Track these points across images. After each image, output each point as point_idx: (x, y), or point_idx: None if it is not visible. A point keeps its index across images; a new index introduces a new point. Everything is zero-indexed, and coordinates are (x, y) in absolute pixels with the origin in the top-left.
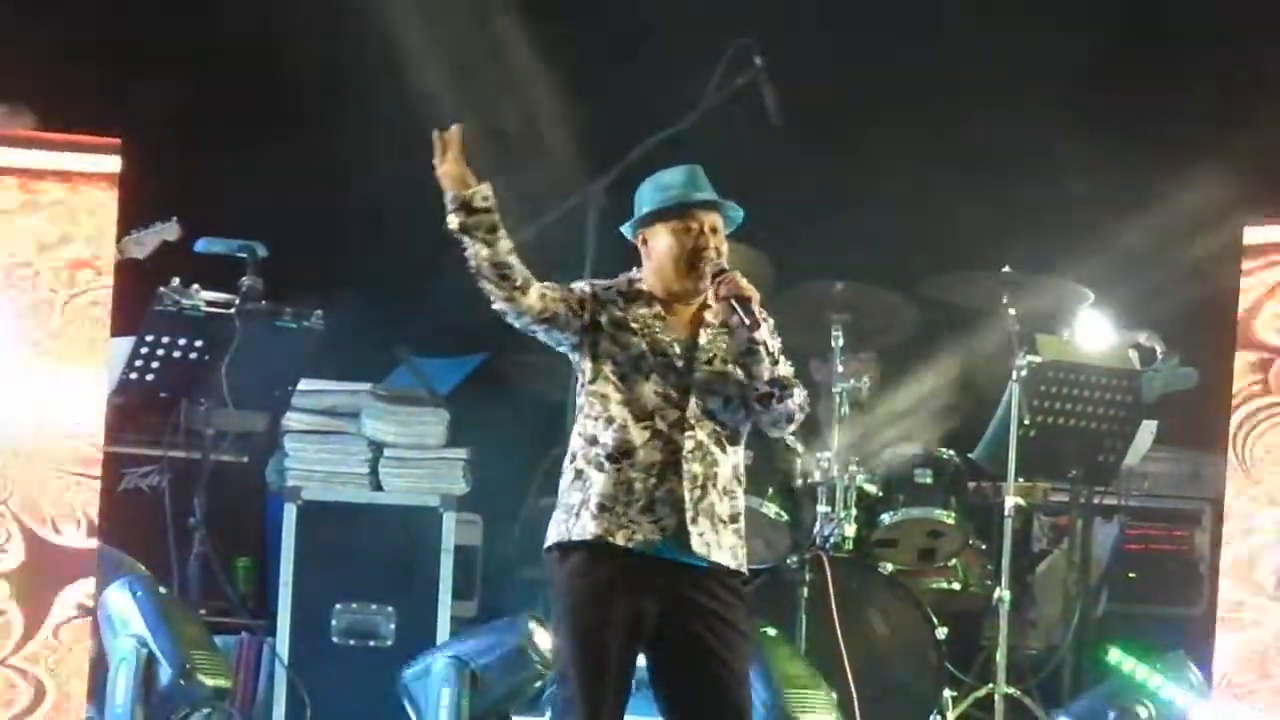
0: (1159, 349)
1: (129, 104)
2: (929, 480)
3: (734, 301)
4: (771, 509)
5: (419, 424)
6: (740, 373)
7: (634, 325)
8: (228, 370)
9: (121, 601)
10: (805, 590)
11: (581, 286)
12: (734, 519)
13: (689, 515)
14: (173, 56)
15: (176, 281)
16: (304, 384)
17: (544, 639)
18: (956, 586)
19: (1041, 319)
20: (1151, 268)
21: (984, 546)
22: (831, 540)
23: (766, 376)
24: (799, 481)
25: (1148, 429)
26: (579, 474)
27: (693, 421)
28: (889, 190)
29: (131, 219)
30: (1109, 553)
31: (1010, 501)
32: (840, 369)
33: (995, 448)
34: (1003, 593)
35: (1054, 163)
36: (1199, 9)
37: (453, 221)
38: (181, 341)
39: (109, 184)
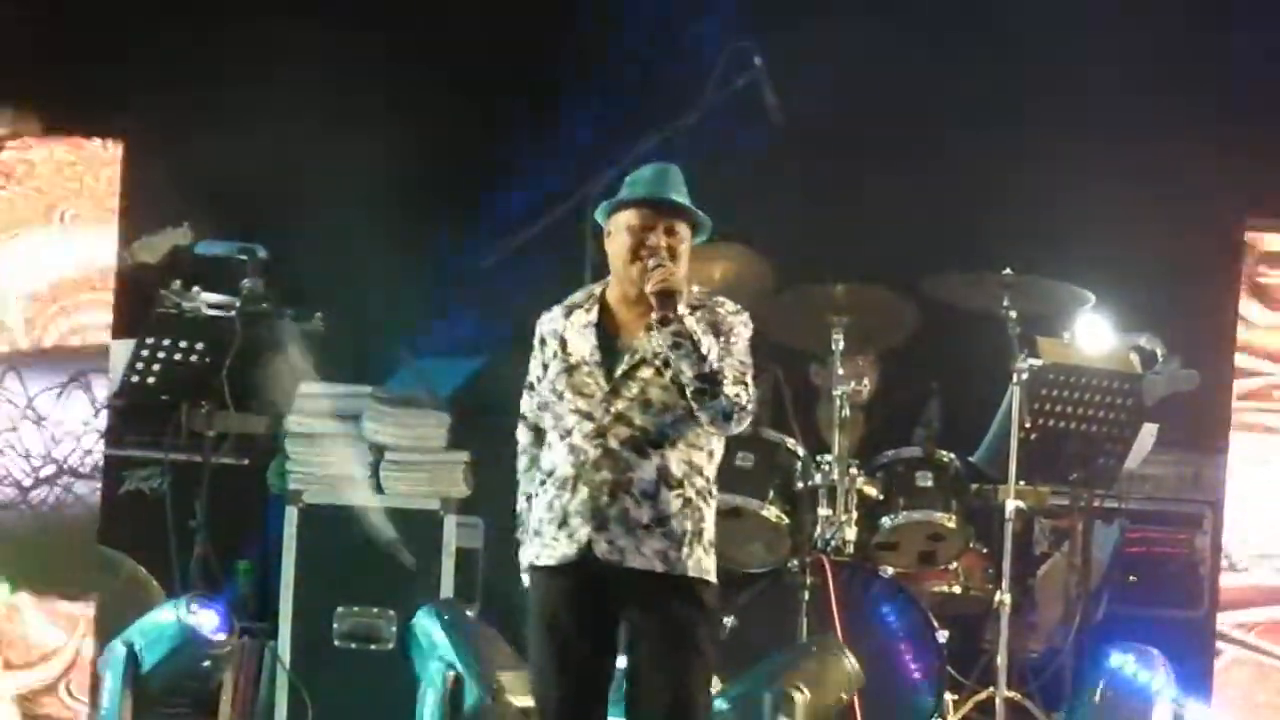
0: (1160, 352)
1: (129, 105)
2: (930, 483)
3: (655, 296)
4: (772, 512)
5: (420, 427)
6: (666, 374)
7: (562, 340)
8: (228, 373)
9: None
10: (806, 593)
11: (534, 370)
12: (660, 522)
13: (593, 524)
14: (173, 57)
15: (178, 284)
16: (304, 386)
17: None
18: (957, 589)
19: (1042, 322)
20: (1152, 270)
21: (985, 550)
22: (832, 543)
23: (692, 373)
24: (800, 485)
25: (1149, 432)
26: (529, 500)
27: (606, 429)
28: (889, 192)
29: (134, 221)
30: (1110, 556)
31: (1011, 504)
32: (840, 371)
33: (996, 451)
34: (1003, 596)
35: (1054, 164)
36: (1198, 8)
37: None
38: (182, 344)
39: (110, 185)
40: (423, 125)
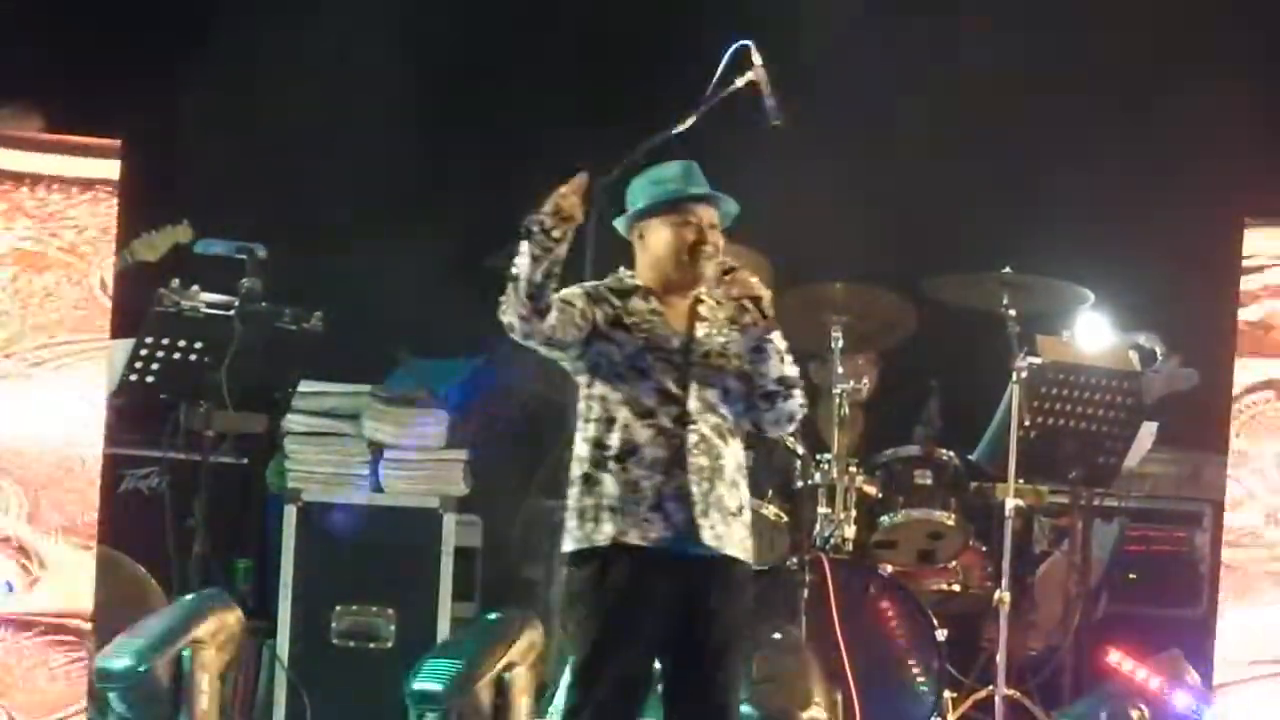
0: (1159, 350)
1: (129, 106)
2: (929, 482)
3: (747, 301)
4: (771, 510)
5: (419, 426)
6: (737, 366)
7: (629, 321)
8: (227, 372)
9: None
10: (805, 591)
11: (577, 297)
12: (740, 511)
13: (698, 509)
14: (173, 59)
15: (176, 283)
16: (303, 385)
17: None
18: (956, 588)
19: (1042, 320)
20: (1152, 268)
21: (984, 548)
22: (831, 541)
23: (774, 374)
24: (799, 483)
25: (1148, 430)
26: (587, 478)
27: (694, 415)
28: (889, 191)
29: (134, 220)
30: (1109, 554)
31: (1010, 503)
32: (840, 370)
33: (995, 449)
34: (1003, 594)
35: (1055, 163)
36: (1198, 8)
37: (534, 224)
38: (181, 343)
39: (110, 185)
40: (422, 125)
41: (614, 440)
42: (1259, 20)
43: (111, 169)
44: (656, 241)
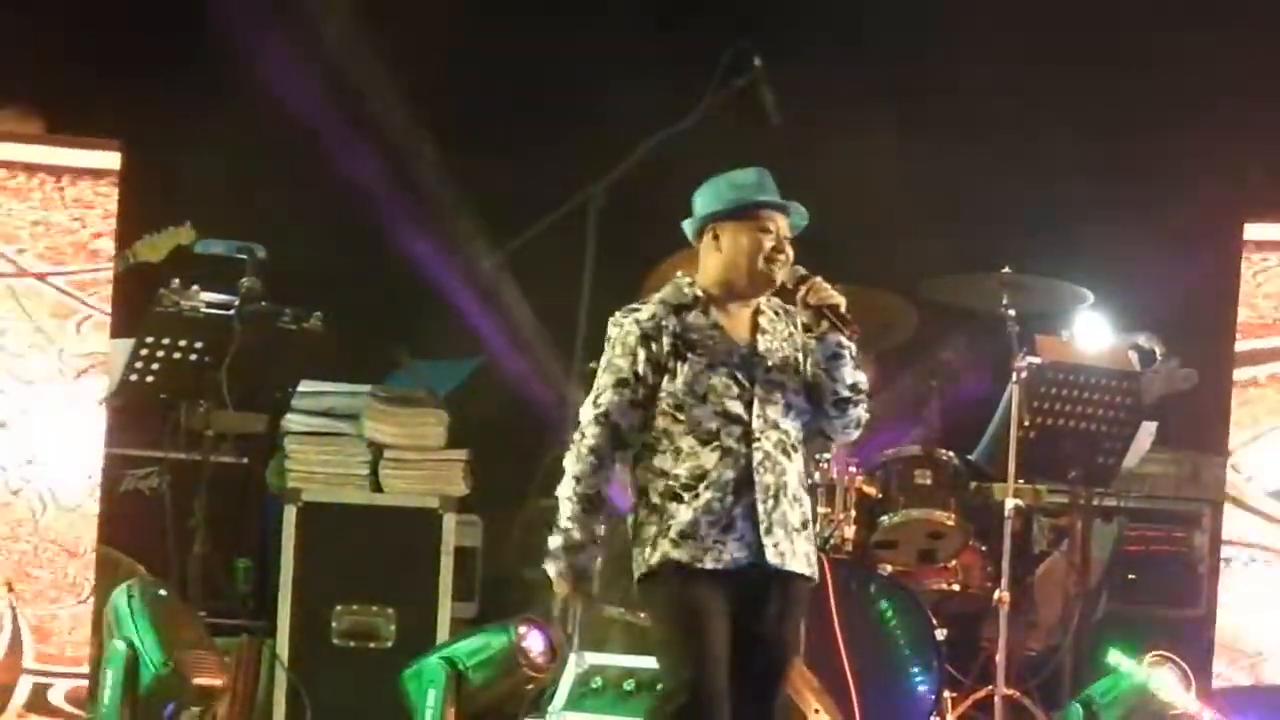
0: (1158, 350)
1: (130, 107)
2: (929, 481)
3: (826, 309)
4: None
5: (419, 426)
6: (799, 379)
7: (690, 339)
8: (227, 372)
9: (119, 604)
10: None
11: (636, 376)
12: (805, 525)
13: (763, 526)
14: (173, 60)
15: (176, 283)
16: (304, 385)
17: (537, 641)
18: (956, 588)
19: (1041, 320)
20: (1151, 269)
21: (984, 548)
22: (831, 541)
23: (849, 380)
24: None
25: (1147, 430)
26: (654, 508)
27: (758, 433)
28: (888, 191)
29: (134, 221)
30: (1109, 554)
31: (1010, 503)
32: None
33: (995, 449)
34: (1002, 594)
35: (1054, 163)
36: (1197, 8)
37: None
38: (181, 343)
39: (110, 186)
40: (422, 125)
41: (681, 470)
42: (1259, 20)
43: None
44: (733, 246)
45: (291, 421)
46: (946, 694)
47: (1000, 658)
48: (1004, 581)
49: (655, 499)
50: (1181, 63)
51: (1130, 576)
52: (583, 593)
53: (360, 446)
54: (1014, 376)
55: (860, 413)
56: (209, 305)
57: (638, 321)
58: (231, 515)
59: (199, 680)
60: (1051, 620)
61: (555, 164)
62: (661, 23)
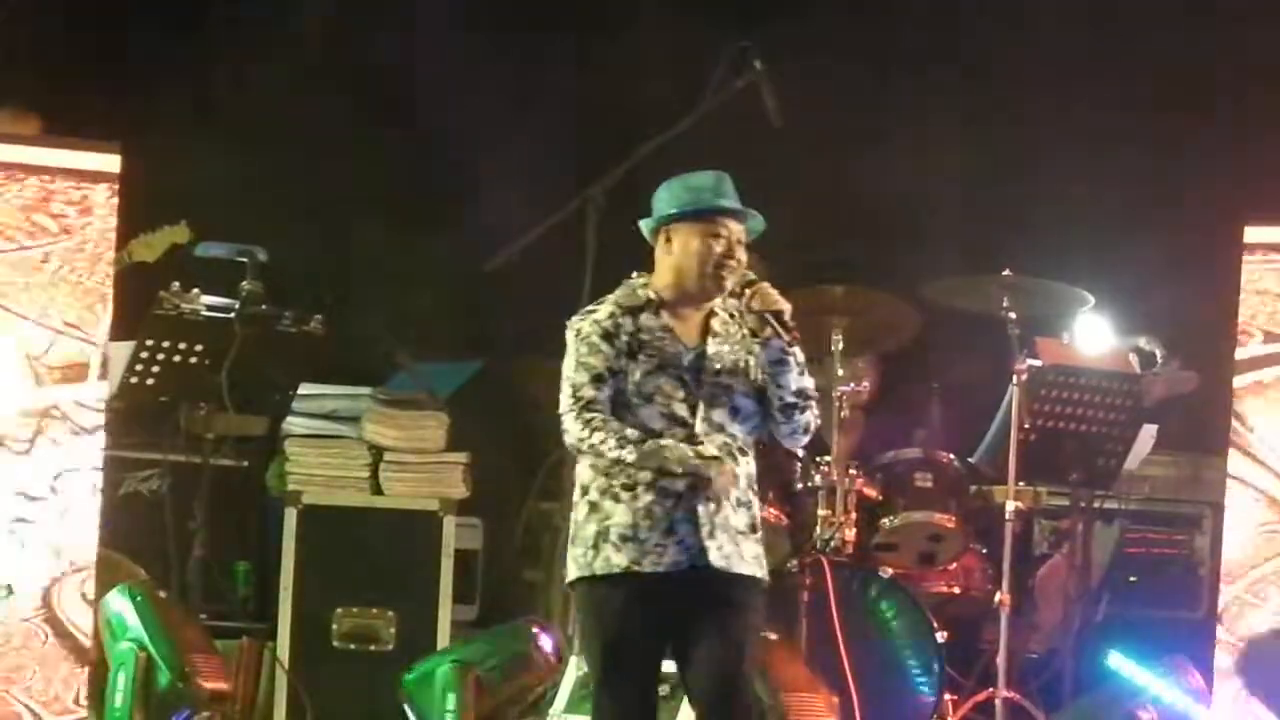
0: (1159, 352)
1: (130, 108)
2: (929, 484)
3: (769, 315)
4: (771, 513)
5: (419, 428)
6: (749, 383)
7: (642, 340)
8: (228, 374)
9: (121, 605)
10: (805, 594)
11: (605, 369)
12: (753, 529)
13: (705, 531)
14: (174, 61)
15: (176, 286)
16: (304, 388)
17: (547, 643)
18: (957, 590)
19: (1042, 322)
20: (1152, 271)
21: (984, 550)
22: (832, 544)
23: (794, 387)
24: (799, 485)
25: (1148, 433)
26: (593, 506)
27: (701, 437)
28: (889, 193)
29: (134, 224)
30: (1109, 556)
31: (1010, 505)
32: (840, 373)
33: (995, 451)
34: (1003, 596)
35: (1054, 166)
36: (1197, 8)
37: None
38: (181, 346)
39: (110, 188)
40: (423, 126)
41: (623, 469)
42: (1259, 21)
43: (112, 170)
44: (683, 249)
45: (292, 424)
46: (947, 696)
47: (1001, 660)
48: (1004, 584)
49: (595, 496)
50: (1182, 63)
51: (1131, 579)
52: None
53: (361, 449)
54: (1015, 379)
55: (807, 419)
56: (209, 308)
57: (597, 322)
58: (232, 518)
59: (211, 685)
60: (1052, 622)
61: (555, 166)
62: (664, 21)
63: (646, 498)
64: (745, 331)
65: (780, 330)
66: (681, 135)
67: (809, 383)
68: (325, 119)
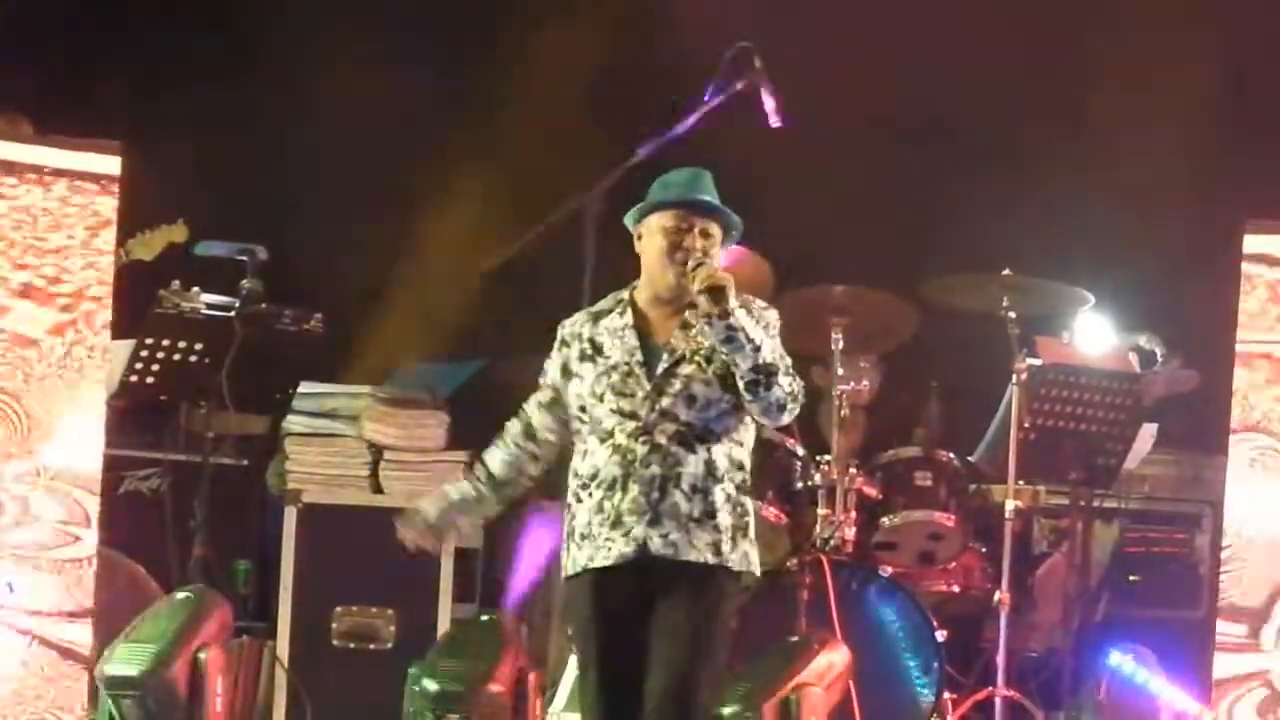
0: (1159, 351)
1: (129, 107)
2: (929, 483)
3: (706, 293)
4: (771, 512)
5: (419, 427)
6: (714, 369)
7: (598, 343)
8: (228, 373)
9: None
10: (805, 593)
11: (548, 380)
12: (710, 515)
13: (648, 518)
14: (174, 62)
15: (177, 284)
16: (304, 387)
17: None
18: (956, 589)
19: (1042, 322)
20: (1151, 270)
21: (984, 549)
22: (832, 543)
23: (748, 364)
24: (799, 484)
25: (1148, 431)
26: (567, 507)
27: (650, 425)
28: (890, 193)
29: (134, 223)
30: (1109, 555)
31: (1010, 504)
32: (840, 372)
33: (995, 450)
34: (1002, 595)
35: (1054, 164)
36: (1197, 9)
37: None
38: (182, 344)
39: (109, 189)
40: (424, 127)
41: (583, 468)
42: (1259, 21)
43: (111, 170)
44: (649, 244)
45: (292, 423)
46: (946, 695)
47: (1000, 659)
48: (1004, 583)
49: (568, 499)
50: (1183, 63)
51: (1131, 578)
52: (410, 532)
53: (361, 448)
54: (1014, 378)
55: (776, 394)
56: (209, 307)
57: (562, 327)
58: (232, 517)
59: None
60: (1052, 621)
61: (552, 168)
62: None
63: (598, 494)
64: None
65: (713, 304)
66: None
67: (770, 357)
68: (326, 117)
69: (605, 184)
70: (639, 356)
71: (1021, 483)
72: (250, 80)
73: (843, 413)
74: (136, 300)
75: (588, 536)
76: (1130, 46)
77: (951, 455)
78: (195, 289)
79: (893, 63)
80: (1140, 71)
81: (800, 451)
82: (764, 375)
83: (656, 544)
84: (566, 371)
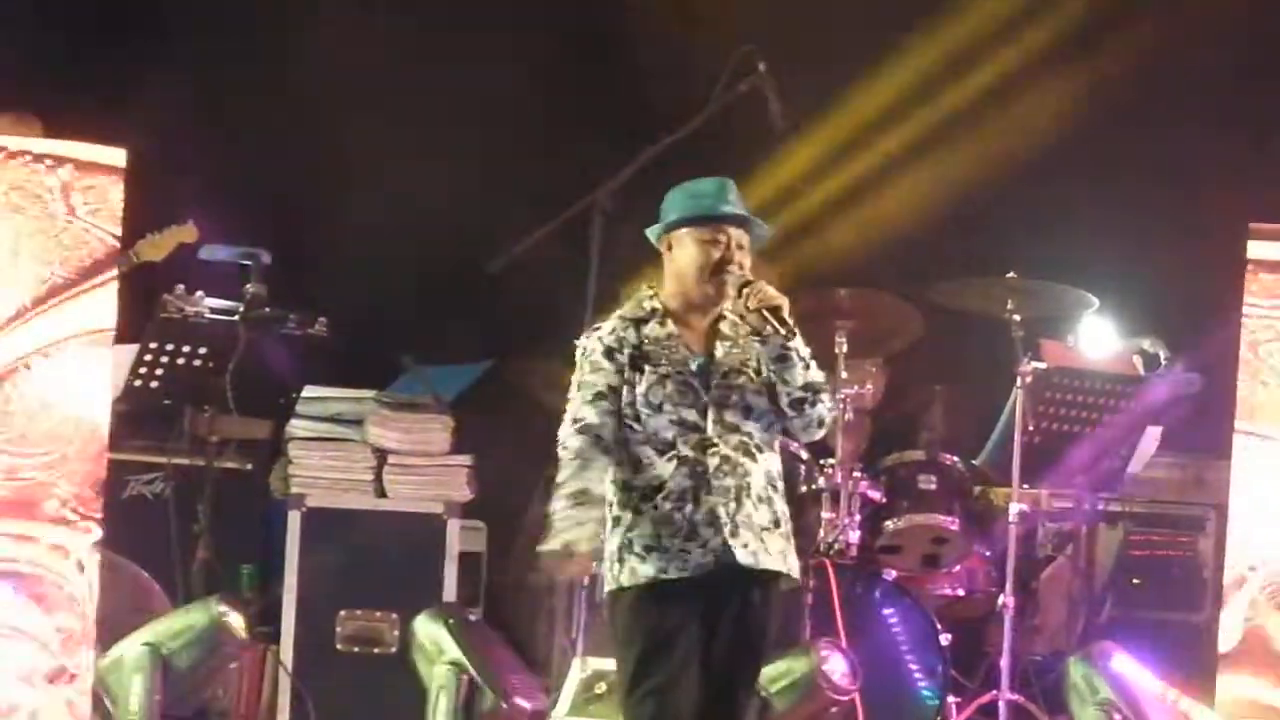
0: (1163, 355)
1: (134, 111)
2: (933, 486)
3: (766, 311)
4: None
5: (423, 431)
6: (760, 381)
7: (647, 351)
8: (231, 377)
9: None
10: (809, 596)
11: (606, 386)
12: (776, 524)
13: (728, 529)
14: (176, 63)
15: (180, 288)
16: (308, 391)
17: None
18: (960, 592)
19: (1046, 325)
20: (1156, 274)
21: (988, 553)
22: (836, 546)
23: (799, 382)
24: (803, 488)
25: (1152, 435)
26: (616, 520)
27: (715, 438)
28: (893, 196)
29: (138, 226)
30: (1113, 559)
31: (1014, 507)
32: (844, 375)
33: (999, 453)
34: (1006, 599)
35: (1058, 168)
36: (1198, 10)
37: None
38: (185, 349)
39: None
40: (424, 128)
41: (639, 481)
42: (1260, 23)
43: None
44: (682, 256)
45: (296, 427)
46: (951, 699)
47: (1004, 662)
48: (1008, 586)
49: (617, 511)
50: (1184, 64)
51: (1135, 581)
52: (571, 568)
53: (364, 452)
54: (1019, 381)
55: (819, 412)
56: (213, 311)
57: (600, 339)
58: (236, 521)
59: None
60: (1056, 625)
61: (560, 168)
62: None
63: (666, 506)
64: (749, 331)
65: (777, 325)
66: (685, 138)
67: (817, 376)
68: (328, 119)
69: (611, 185)
70: (693, 367)
71: (1026, 486)
72: (251, 81)
73: (847, 416)
74: (140, 305)
75: (654, 549)
76: (1133, 47)
77: (956, 459)
78: (199, 293)
79: (895, 65)
80: (1142, 72)
81: (804, 455)
82: (812, 393)
83: (741, 554)
84: (623, 380)
